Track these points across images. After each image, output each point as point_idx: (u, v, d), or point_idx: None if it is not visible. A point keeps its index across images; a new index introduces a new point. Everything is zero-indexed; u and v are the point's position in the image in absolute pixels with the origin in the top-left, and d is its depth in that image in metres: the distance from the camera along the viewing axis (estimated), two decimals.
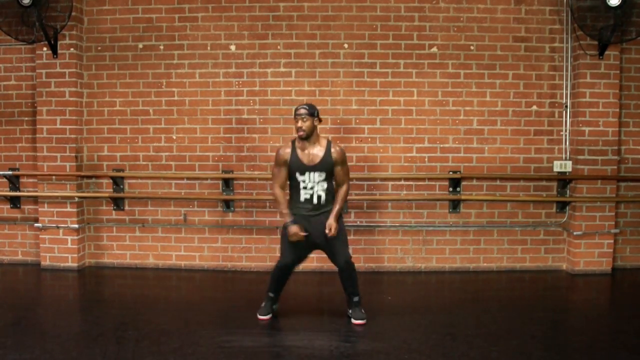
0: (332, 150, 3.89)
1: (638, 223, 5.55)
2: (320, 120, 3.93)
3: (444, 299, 4.82)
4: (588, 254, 5.38)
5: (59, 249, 5.54)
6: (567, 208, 5.52)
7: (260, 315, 4.07)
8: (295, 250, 3.93)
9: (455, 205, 5.51)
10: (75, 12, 5.36)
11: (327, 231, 3.80)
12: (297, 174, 3.87)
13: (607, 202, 5.37)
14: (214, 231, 5.61)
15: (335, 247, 3.91)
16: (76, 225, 5.51)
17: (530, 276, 5.39)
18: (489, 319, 4.11)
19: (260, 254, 5.57)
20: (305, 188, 3.88)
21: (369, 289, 5.09)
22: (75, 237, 5.53)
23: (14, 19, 5.12)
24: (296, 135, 3.88)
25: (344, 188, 3.93)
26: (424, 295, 4.94)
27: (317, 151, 3.89)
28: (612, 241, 5.43)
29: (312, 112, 3.86)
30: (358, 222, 5.54)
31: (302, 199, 3.90)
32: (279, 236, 5.44)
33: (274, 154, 4.03)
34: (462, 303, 4.59)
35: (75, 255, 5.53)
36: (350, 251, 4.07)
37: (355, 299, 4.03)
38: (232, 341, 3.64)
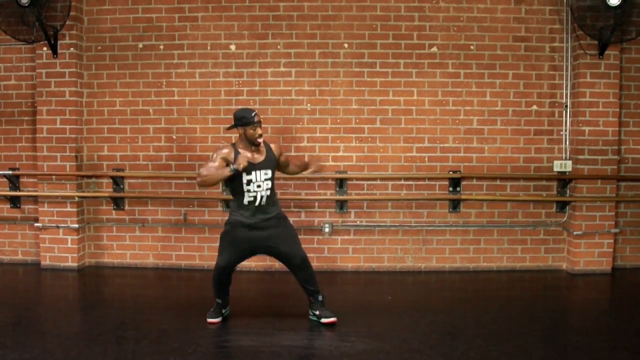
0: (271, 145, 3.94)
1: (638, 223, 5.55)
2: None
3: (444, 298, 4.82)
4: (588, 253, 5.38)
5: (59, 248, 5.54)
6: (567, 208, 5.52)
7: (209, 318, 4.01)
8: (236, 251, 3.85)
9: (455, 205, 5.51)
10: (75, 12, 5.36)
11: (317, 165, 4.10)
12: (245, 175, 3.75)
13: (607, 201, 5.37)
14: (214, 231, 5.60)
15: (289, 248, 3.87)
16: (76, 225, 5.51)
17: (530, 276, 5.39)
18: (489, 319, 4.11)
19: (259, 254, 5.55)
20: (249, 191, 3.77)
21: (369, 288, 5.10)
22: (75, 237, 5.53)
23: (13, 18, 5.12)
24: (237, 140, 3.86)
25: (292, 164, 4.17)
26: (424, 295, 4.94)
27: (259, 151, 3.87)
28: (612, 241, 5.43)
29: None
30: (358, 222, 5.54)
31: (245, 201, 3.79)
32: None
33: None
34: (462, 303, 4.59)
35: (75, 255, 5.53)
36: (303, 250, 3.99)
37: (320, 297, 3.98)
38: (232, 341, 3.65)
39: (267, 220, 3.84)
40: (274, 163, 3.90)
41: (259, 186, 3.79)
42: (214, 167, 3.70)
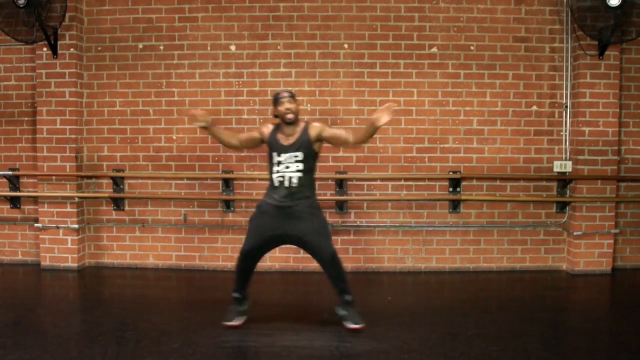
0: (309, 127, 3.76)
1: (638, 223, 5.55)
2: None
3: (444, 299, 4.82)
4: (588, 254, 5.38)
5: (59, 249, 5.54)
6: (567, 208, 5.52)
7: (226, 321, 3.86)
8: (261, 237, 3.75)
9: (455, 205, 5.51)
10: (75, 12, 5.37)
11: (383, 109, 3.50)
12: (274, 154, 3.72)
13: (607, 202, 5.37)
14: (214, 231, 5.61)
15: (318, 241, 3.72)
16: (76, 226, 5.51)
17: (530, 276, 5.39)
18: (489, 319, 4.11)
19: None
20: (277, 172, 3.70)
21: (369, 289, 5.10)
22: (75, 237, 5.53)
23: (13, 19, 5.12)
24: (276, 122, 3.80)
25: (355, 133, 3.77)
26: (424, 295, 4.94)
27: (294, 132, 3.75)
28: (612, 241, 5.43)
29: (294, 95, 3.79)
30: (358, 222, 5.54)
31: (276, 182, 3.70)
32: None
33: None
34: (462, 303, 4.59)
35: (75, 255, 5.53)
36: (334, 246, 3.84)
37: (348, 297, 3.81)
38: (232, 341, 3.64)
39: (296, 204, 3.69)
40: (307, 145, 3.71)
41: (287, 167, 3.68)
42: (240, 133, 4.05)
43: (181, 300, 4.76)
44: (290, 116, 3.70)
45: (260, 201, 3.84)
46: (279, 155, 3.72)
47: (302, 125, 3.78)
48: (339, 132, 3.83)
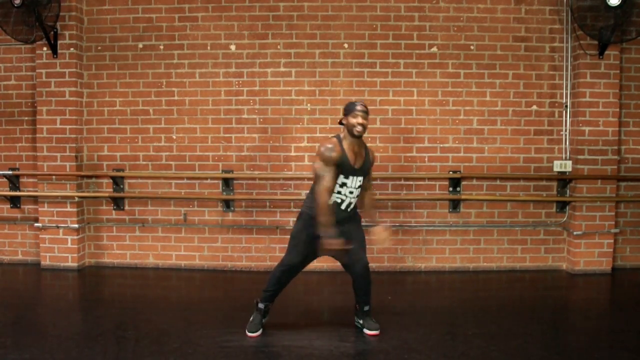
0: (370, 152, 3.72)
1: (638, 223, 5.55)
2: None
3: (444, 299, 4.82)
4: (588, 253, 5.38)
5: (59, 248, 5.54)
6: (567, 208, 5.52)
7: (249, 332, 3.73)
8: (308, 250, 3.64)
9: (455, 205, 5.51)
10: (75, 12, 5.37)
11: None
12: (342, 177, 3.55)
13: (607, 201, 5.37)
14: (214, 231, 5.61)
15: (357, 251, 3.66)
16: (76, 225, 5.51)
17: (530, 276, 5.39)
18: (489, 319, 4.11)
19: (260, 254, 5.57)
20: (339, 193, 3.58)
21: None
22: (75, 237, 5.53)
23: (12, 18, 5.11)
24: (343, 134, 3.59)
25: (372, 191, 3.89)
26: (424, 295, 4.94)
27: (361, 151, 3.63)
28: (612, 241, 5.43)
29: (368, 112, 3.65)
30: None
31: (331, 200, 3.55)
32: (279, 236, 5.50)
33: (318, 154, 3.54)
34: (462, 303, 4.59)
35: (75, 255, 5.53)
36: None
37: (366, 308, 3.79)
38: (232, 341, 3.64)
39: (348, 220, 3.68)
40: (368, 172, 3.71)
41: (351, 192, 3.61)
42: (326, 179, 3.47)
43: (181, 300, 4.77)
44: (359, 130, 3.54)
45: (304, 213, 3.70)
46: (346, 177, 3.57)
47: (363, 144, 3.68)
48: (370, 176, 3.84)
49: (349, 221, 3.70)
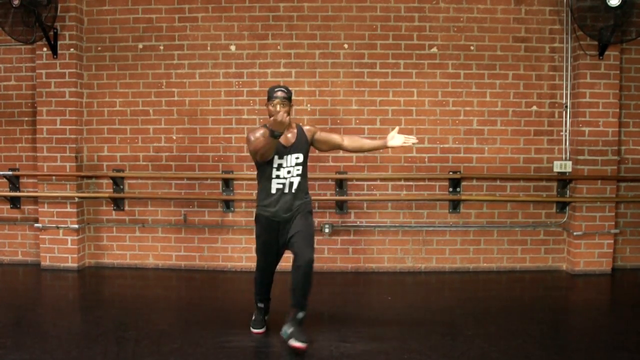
0: (304, 128, 3.63)
1: (638, 223, 5.55)
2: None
3: (444, 299, 4.82)
4: (588, 254, 5.38)
5: (59, 249, 5.54)
6: (567, 208, 5.52)
7: (254, 328, 3.82)
8: (271, 251, 3.65)
9: (455, 205, 5.51)
10: (75, 12, 5.37)
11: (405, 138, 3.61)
12: (277, 158, 3.48)
13: (607, 202, 5.37)
14: (213, 231, 5.61)
15: (300, 243, 3.48)
16: (76, 226, 5.51)
17: (530, 276, 5.39)
18: (489, 319, 4.11)
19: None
20: (278, 177, 3.51)
21: (369, 289, 5.10)
22: (75, 237, 5.53)
23: (11, 19, 5.11)
24: (267, 123, 3.41)
25: (351, 136, 3.78)
26: (424, 295, 4.94)
27: (290, 135, 3.56)
28: (612, 241, 5.43)
29: (290, 97, 3.53)
30: (358, 222, 5.54)
31: (273, 189, 3.52)
32: None
33: (247, 142, 3.52)
34: (462, 303, 4.58)
35: (75, 255, 5.53)
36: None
37: (300, 315, 3.47)
38: (232, 341, 3.64)
39: (294, 210, 3.56)
40: (306, 146, 3.60)
41: (289, 172, 3.52)
42: (261, 137, 3.41)
43: (181, 300, 4.77)
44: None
45: (257, 214, 3.65)
46: (280, 157, 3.51)
47: (295, 126, 3.64)
48: (331, 135, 3.75)
49: (296, 213, 3.57)
